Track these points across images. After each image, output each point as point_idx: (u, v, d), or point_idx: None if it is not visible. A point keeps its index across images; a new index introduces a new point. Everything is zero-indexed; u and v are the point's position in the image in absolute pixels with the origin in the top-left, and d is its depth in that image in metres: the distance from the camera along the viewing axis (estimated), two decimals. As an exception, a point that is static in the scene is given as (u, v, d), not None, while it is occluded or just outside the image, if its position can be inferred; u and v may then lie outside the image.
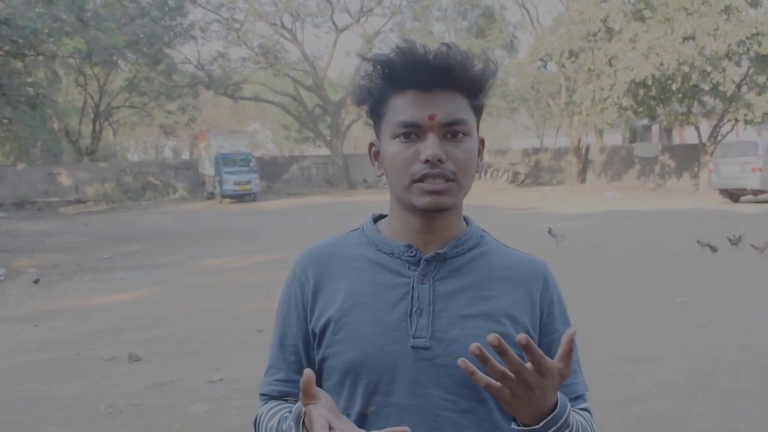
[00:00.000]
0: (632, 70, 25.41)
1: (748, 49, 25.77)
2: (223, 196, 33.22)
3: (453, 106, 1.49)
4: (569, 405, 1.40)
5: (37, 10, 19.22)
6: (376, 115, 1.56)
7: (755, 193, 24.11)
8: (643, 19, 26.87)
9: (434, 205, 1.49)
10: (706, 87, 26.89)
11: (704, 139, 29.38)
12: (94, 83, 39.88)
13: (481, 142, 1.60)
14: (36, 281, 12.80)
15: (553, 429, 1.35)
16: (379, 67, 1.51)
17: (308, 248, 1.69)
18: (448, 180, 1.48)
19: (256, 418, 1.63)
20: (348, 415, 1.51)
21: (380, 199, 30.03)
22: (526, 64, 33.14)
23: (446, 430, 1.49)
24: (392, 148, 1.51)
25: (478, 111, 1.56)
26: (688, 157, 32.04)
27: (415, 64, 1.47)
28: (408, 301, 1.52)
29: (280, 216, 24.71)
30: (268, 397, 1.65)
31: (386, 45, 41.60)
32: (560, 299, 1.64)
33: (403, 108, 1.49)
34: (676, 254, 13.30)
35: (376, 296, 1.54)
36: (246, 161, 33.82)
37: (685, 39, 24.77)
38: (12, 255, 16.01)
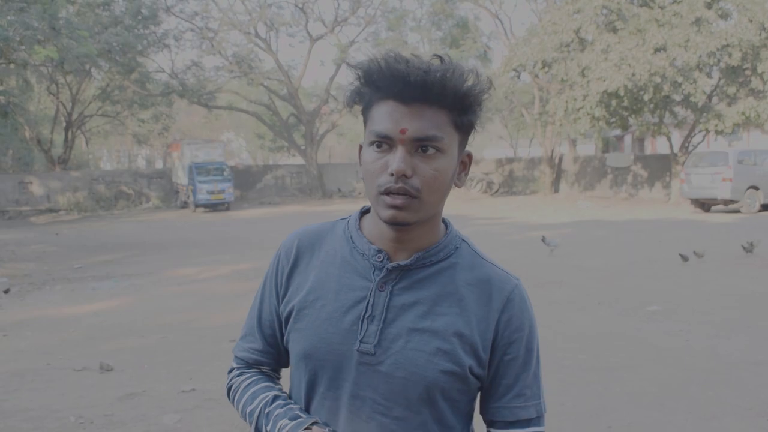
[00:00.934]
0: (605, 80, 25.63)
1: (719, 61, 26.14)
2: (197, 206, 33.07)
3: (428, 122, 1.49)
4: None
5: (9, 17, 19.08)
6: (365, 118, 1.58)
7: (726, 202, 24.37)
8: (615, 31, 27.14)
9: (394, 220, 1.51)
10: (677, 98, 27.19)
11: (676, 150, 29.67)
12: (66, 92, 39.59)
13: (468, 156, 1.62)
14: (6, 291, 12.66)
15: None
16: (364, 75, 1.54)
17: (298, 230, 1.76)
18: (410, 196, 1.49)
19: (230, 386, 1.77)
20: (299, 397, 1.66)
21: (354, 209, 29.99)
22: (500, 74, 33.27)
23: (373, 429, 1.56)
24: (367, 155, 1.54)
25: (463, 128, 1.56)
26: (660, 167, 32.36)
27: (394, 76, 1.49)
28: (363, 306, 1.57)
29: (253, 225, 24.63)
30: (241, 361, 1.78)
31: (361, 54, 41.73)
32: (524, 324, 1.62)
33: (380, 118, 1.51)
34: (647, 263, 13.41)
35: (337, 295, 1.60)
36: (220, 170, 33.69)
37: (657, 50, 25.04)
38: (-18, 265, 15.84)
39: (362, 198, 39.26)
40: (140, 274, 14.23)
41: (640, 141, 43.56)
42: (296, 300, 1.64)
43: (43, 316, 10.42)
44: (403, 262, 1.58)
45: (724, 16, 26.42)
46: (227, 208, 33.46)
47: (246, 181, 40.46)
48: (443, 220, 1.67)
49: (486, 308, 1.58)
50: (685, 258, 12.97)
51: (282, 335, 1.71)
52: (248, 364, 1.77)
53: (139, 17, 35.38)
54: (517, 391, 1.61)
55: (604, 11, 27.82)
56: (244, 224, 25.39)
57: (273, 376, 1.79)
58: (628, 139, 44.68)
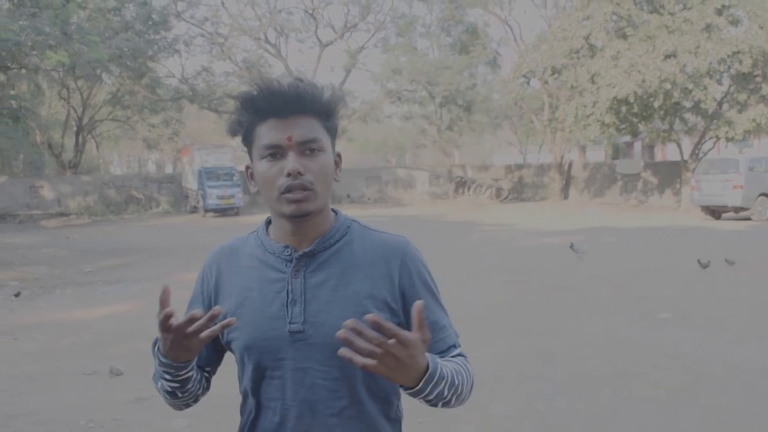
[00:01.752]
0: (614, 87, 25.59)
1: (729, 67, 26.08)
2: (206, 210, 33.12)
3: (306, 128, 1.79)
4: (439, 362, 1.69)
5: (21, 23, 19.17)
6: (248, 142, 1.86)
7: (736, 210, 24.29)
8: (625, 37, 27.09)
9: (298, 212, 1.79)
10: (687, 104, 27.12)
11: (686, 156, 29.59)
12: (77, 96, 39.76)
13: (338, 156, 1.92)
14: (17, 294, 12.70)
15: (431, 384, 1.64)
16: (243, 103, 1.82)
17: (214, 249, 2.03)
18: (306, 189, 1.77)
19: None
20: (248, 384, 1.89)
21: (364, 213, 30.01)
22: (510, 80, 33.30)
23: (322, 395, 1.80)
24: (261, 167, 1.81)
25: (331, 131, 1.87)
26: (670, 174, 32.27)
27: (272, 95, 1.78)
28: (285, 294, 1.83)
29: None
30: None
31: (370, 60, 41.66)
32: (420, 270, 1.90)
33: (266, 133, 1.80)
34: (658, 271, 13.37)
35: (261, 290, 1.86)
36: (229, 175, 33.73)
37: (667, 57, 24.99)
38: (-8, 268, 15.90)
39: (371, 203, 39.28)
40: (150, 278, 14.26)
41: (650, 148, 43.47)
42: (229, 304, 1.88)
43: (54, 319, 10.45)
44: (307, 249, 1.85)
45: (735, 22, 26.36)
46: (237, 213, 33.51)
47: (255, 186, 40.43)
48: (333, 210, 1.93)
49: (385, 267, 1.86)
50: (705, 265, 12.91)
51: (212, 341, 1.89)
52: None
53: (150, 22, 35.51)
54: (438, 325, 1.88)
55: (614, 18, 27.80)
56: (253, 229, 25.36)
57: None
58: (638, 145, 44.60)
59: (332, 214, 1.93)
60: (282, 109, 1.78)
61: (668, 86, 24.89)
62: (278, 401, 1.84)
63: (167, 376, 1.86)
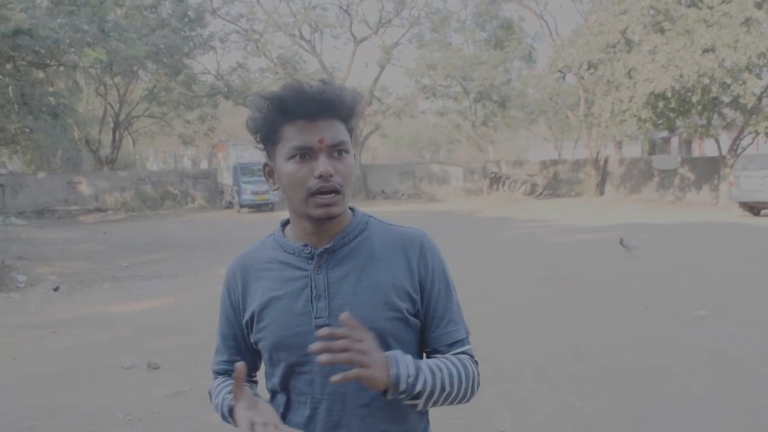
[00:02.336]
0: (652, 82, 25.33)
1: (769, 62, 25.67)
2: (241, 206, 33.29)
3: (335, 130, 1.84)
4: (413, 368, 1.76)
5: (59, 20, 19.37)
6: (270, 141, 1.90)
7: (775, 206, 23.93)
8: (662, 31, 26.80)
9: (327, 215, 1.84)
10: (726, 99, 26.78)
11: (724, 152, 29.23)
12: (114, 93, 40.17)
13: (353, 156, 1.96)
14: (56, 289, 12.88)
15: (406, 382, 1.73)
16: (274, 103, 1.85)
17: (234, 258, 2.09)
18: (337, 192, 1.83)
19: (210, 390, 2.09)
20: (277, 382, 1.97)
21: (397, 210, 30.03)
22: (545, 75, 33.10)
23: (351, 387, 1.85)
24: (289, 167, 1.84)
25: (352, 132, 1.92)
26: (708, 170, 31.90)
27: (303, 98, 1.82)
28: (308, 290, 1.89)
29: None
30: (216, 373, 2.12)
31: (404, 56, 41.53)
32: (437, 262, 1.97)
33: (295, 135, 1.83)
34: (696, 267, 13.22)
35: (285, 290, 1.91)
36: (264, 171, 33.78)
37: (705, 51, 24.67)
38: (32, 263, 16.12)
39: (405, 199, 39.26)
40: (186, 273, 14.38)
41: (687, 143, 43.00)
42: (254, 306, 1.94)
43: (92, 314, 10.58)
44: (327, 246, 1.90)
45: (775, 16, 25.95)
46: (271, 209, 33.64)
47: (290, 182, 40.49)
48: (350, 207, 1.98)
49: (405, 259, 1.93)
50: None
51: (246, 345, 2.04)
52: (218, 374, 2.12)
53: (186, 19, 35.76)
54: (448, 318, 1.95)
55: (652, 12, 27.50)
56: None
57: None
58: (675, 141, 44.14)
59: (349, 212, 1.98)
60: (312, 112, 1.82)
61: (706, 81, 24.58)
62: (308, 395, 1.90)
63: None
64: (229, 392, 1.91)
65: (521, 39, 39.79)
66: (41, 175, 37.65)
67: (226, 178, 35.65)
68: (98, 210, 35.62)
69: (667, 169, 34.24)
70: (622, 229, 19.97)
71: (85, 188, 36.80)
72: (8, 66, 20.44)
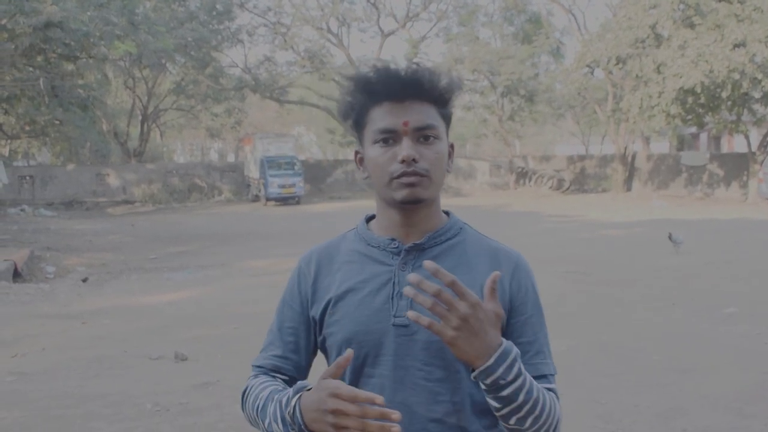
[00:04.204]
0: (681, 77, 25.11)
1: (801, 57, 25.35)
2: (268, 199, 33.42)
3: (423, 113, 1.73)
4: (516, 349, 1.56)
5: (89, 13, 19.53)
6: (359, 126, 1.80)
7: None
8: (692, 26, 26.55)
9: (411, 197, 1.71)
10: (756, 95, 26.50)
11: (754, 148, 28.93)
12: (142, 86, 40.45)
13: (451, 146, 1.84)
14: (84, 280, 13.01)
15: (504, 365, 1.53)
16: (359, 84, 1.76)
17: (311, 248, 1.94)
18: (421, 176, 1.70)
19: (245, 390, 1.87)
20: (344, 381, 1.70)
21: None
22: (573, 70, 32.91)
23: (423, 397, 1.72)
24: (373, 152, 1.75)
25: (447, 119, 1.80)
26: (737, 166, 31.60)
27: (390, 78, 1.72)
28: (390, 286, 1.76)
29: (323, 219, 24.80)
30: (260, 369, 1.90)
31: (432, 50, 41.48)
32: (531, 285, 1.81)
33: (380, 117, 1.73)
34: (724, 264, 13.12)
35: (364, 283, 1.78)
36: (290, 164, 33.96)
37: (736, 46, 24.42)
38: (61, 253, 16.29)
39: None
40: (213, 265, 14.47)
41: (716, 139, 42.58)
42: (328, 297, 1.81)
43: (120, 304, 10.68)
44: (417, 242, 1.78)
45: (808, 11, 25.62)
46: (297, 202, 33.76)
47: (316, 175, 40.71)
48: (445, 211, 1.88)
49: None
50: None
51: (306, 343, 1.88)
52: (265, 370, 1.89)
53: (214, 13, 35.94)
54: (537, 348, 1.76)
55: (681, 6, 27.24)
56: (314, 218, 25.57)
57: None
58: (703, 137, 43.73)
59: (443, 214, 1.86)
60: (399, 93, 1.72)
61: (737, 76, 24.33)
62: None
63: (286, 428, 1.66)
64: (283, 392, 1.70)
65: (549, 33, 39.60)
66: (70, 167, 38.01)
67: (253, 171, 35.79)
68: (126, 202, 35.93)
69: (695, 165, 33.95)
70: (650, 225, 19.85)
71: (113, 180, 37.12)
72: (39, 58, 20.64)
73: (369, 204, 32.28)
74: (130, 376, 6.98)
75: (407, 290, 1.47)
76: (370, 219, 1.92)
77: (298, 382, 1.67)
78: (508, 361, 1.53)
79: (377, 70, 1.74)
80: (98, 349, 7.99)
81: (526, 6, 41.39)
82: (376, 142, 1.74)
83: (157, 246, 18.09)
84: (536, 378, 1.69)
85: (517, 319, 1.76)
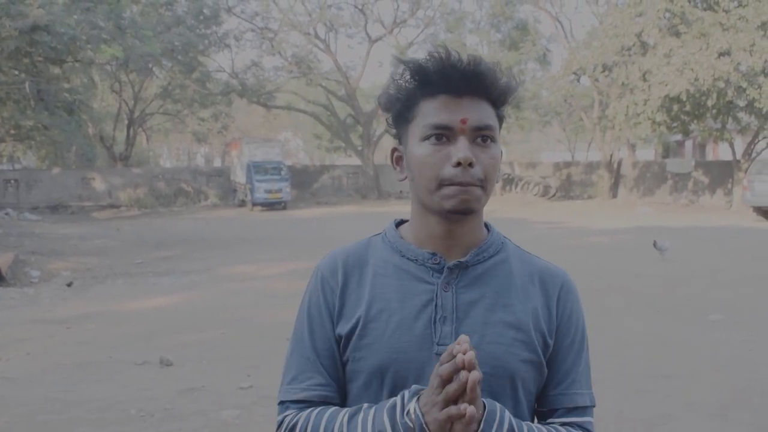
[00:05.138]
0: (666, 85, 25.23)
1: (785, 66, 25.52)
2: (254, 204, 33.36)
3: (483, 112, 1.53)
4: (499, 411, 1.41)
5: (76, 17, 19.48)
6: (404, 119, 1.59)
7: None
8: (678, 35, 26.68)
9: (461, 206, 1.51)
10: (741, 103, 26.63)
11: (738, 156, 29.11)
12: (129, 90, 40.36)
13: (500, 152, 1.63)
14: (69, 284, 12.96)
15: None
16: (412, 71, 1.55)
17: (332, 252, 1.69)
18: (475, 186, 1.51)
19: (295, 426, 1.56)
20: None
21: (410, 210, 29.98)
22: (559, 77, 33.01)
23: None
24: (422, 150, 1.53)
25: (501, 121, 1.61)
26: (722, 174, 31.78)
27: (450, 68, 1.51)
28: (432, 309, 1.54)
29: (310, 225, 24.79)
30: (303, 404, 1.59)
31: (419, 56, 41.58)
32: (577, 308, 1.67)
33: (434, 111, 1.52)
34: (709, 272, 13.18)
35: (401, 303, 1.56)
36: (277, 169, 33.94)
37: (721, 55, 24.56)
38: (46, 258, 16.20)
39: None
40: (199, 270, 14.43)
41: (701, 147, 42.79)
42: (357, 315, 1.58)
43: (106, 309, 10.64)
44: (462, 260, 1.58)
45: (792, 20, 25.80)
46: (284, 207, 33.70)
47: (303, 180, 40.67)
48: (485, 224, 1.69)
49: (544, 296, 1.62)
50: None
51: (342, 365, 1.61)
52: (310, 405, 1.59)
53: (201, 17, 35.88)
54: (574, 377, 1.61)
55: (667, 15, 27.37)
56: (301, 223, 25.57)
57: None
58: (689, 144, 43.94)
59: (484, 227, 1.68)
60: (457, 86, 1.52)
61: (722, 85, 24.47)
62: None
63: None
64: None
65: (536, 40, 39.71)
66: (55, 170, 37.88)
67: (240, 176, 35.74)
68: (112, 206, 35.77)
69: (680, 173, 34.10)
70: (636, 233, 19.94)
71: (98, 184, 36.98)
72: (25, 62, 20.57)
73: (356, 210, 32.31)
74: (115, 381, 6.96)
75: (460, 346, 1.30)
76: (398, 224, 1.71)
77: (413, 386, 1.45)
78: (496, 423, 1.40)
79: (435, 58, 1.53)
80: (83, 355, 7.95)
81: (513, 13, 41.48)
82: (425, 138, 1.53)
83: (143, 251, 18.02)
84: (571, 410, 1.59)
85: (560, 345, 1.61)
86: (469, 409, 1.31)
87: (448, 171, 1.49)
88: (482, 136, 1.53)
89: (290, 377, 1.64)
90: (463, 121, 1.50)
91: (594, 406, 1.64)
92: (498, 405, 1.42)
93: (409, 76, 1.55)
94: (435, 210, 1.55)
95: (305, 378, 1.61)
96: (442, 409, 1.33)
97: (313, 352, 1.62)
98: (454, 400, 1.32)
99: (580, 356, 1.64)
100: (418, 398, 1.39)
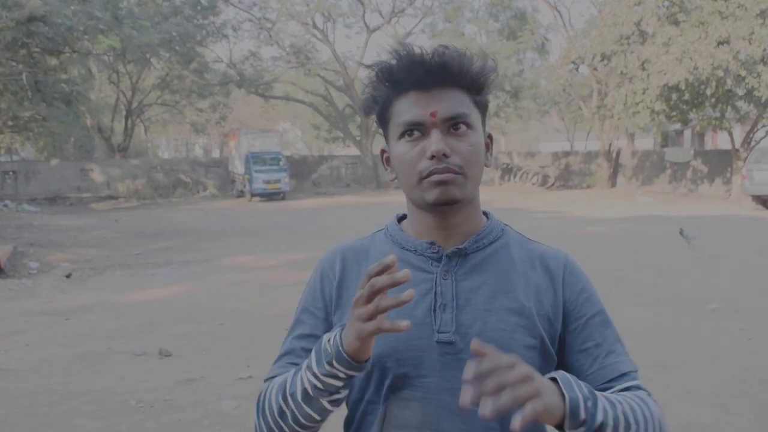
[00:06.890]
0: (665, 74, 25.18)
1: (784, 54, 25.49)
2: (253, 195, 33.37)
3: (453, 101, 1.52)
4: (581, 396, 1.34)
5: (73, 7, 19.43)
6: (383, 120, 1.59)
7: (789, 200, 23.84)
8: (677, 23, 26.62)
9: (443, 197, 1.51)
10: (740, 92, 26.60)
11: (737, 145, 29.08)
12: (126, 81, 40.29)
13: (489, 137, 1.64)
14: (68, 275, 12.95)
15: (584, 408, 1.33)
16: (379, 74, 1.55)
17: (335, 246, 1.72)
18: (455, 173, 1.50)
19: (259, 397, 1.59)
20: (374, 408, 1.57)
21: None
22: (558, 66, 32.95)
23: (471, 424, 1.48)
24: (400, 148, 1.54)
25: (482, 106, 1.59)
26: (721, 163, 31.77)
27: (413, 64, 1.51)
28: (432, 297, 1.54)
29: (308, 215, 24.78)
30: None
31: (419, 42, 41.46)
32: (586, 284, 1.66)
33: (406, 108, 1.52)
34: (708, 260, 13.18)
35: (400, 292, 1.43)
36: (276, 160, 33.93)
37: (720, 43, 24.51)
38: (45, 249, 16.19)
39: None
40: (198, 261, 14.42)
41: (700, 136, 42.77)
42: None
43: (104, 301, 10.63)
44: (460, 246, 1.58)
45: (791, 8, 25.75)
46: (283, 198, 33.70)
47: (301, 171, 40.67)
48: (483, 212, 1.68)
49: (547, 278, 1.61)
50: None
51: None
52: None
53: (199, 7, 35.83)
54: (608, 348, 1.59)
55: (666, 3, 27.32)
56: (300, 214, 25.55)
57: None
58: (687, 133, 43.91)
59: (482, 215, 1.67)
60: (425, 81, 1.51)
61: (721, 73, 24.43)
62: (414, 430, 1.50)
63: (325, 395, 1.45)
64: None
65: (534, 30, 39.66)
66: (54, 162, 37.82)
67: (238, 167, 35.74)
68: (110, 197, 35.75)
69: (679, 162, 34.09)
70: (635, 222, 19.94)
71: (97, 176, 36.94)
72: (22, 53, 20.51)
73: (354, 200, 32.31)
74: (114, 372, 6.95)
75: (465, 399, 1.21)
76: (401, 219, 1.71)
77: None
78: (580, 414, 1.33)
79: (399, 56, 1.52)
80: (82, 346, 7.95)
81: (511, 2, 41.47)
82: (401, 137, 1.54)
83: (142, 242, 18.02)
84: (616, 378, 1.55)
85: (577, 323, 1.59)
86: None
87: (425, 165, 1.50)
88: (455, 125, 1.52)
89: (279, 355, 1.67)
90: (433, 114, 1.50)
91: (637, 371, 1.62)
92: (572, 382, 1.36)
93: (379, 79, 1.56)
94: (422, 204, 1.56)
95: (290, 358, 1.63)
96: (366, 321, 1.32)
97: (303, 338, 1.63)
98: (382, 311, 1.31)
99: (607, 328, 1.62)
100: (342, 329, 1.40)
